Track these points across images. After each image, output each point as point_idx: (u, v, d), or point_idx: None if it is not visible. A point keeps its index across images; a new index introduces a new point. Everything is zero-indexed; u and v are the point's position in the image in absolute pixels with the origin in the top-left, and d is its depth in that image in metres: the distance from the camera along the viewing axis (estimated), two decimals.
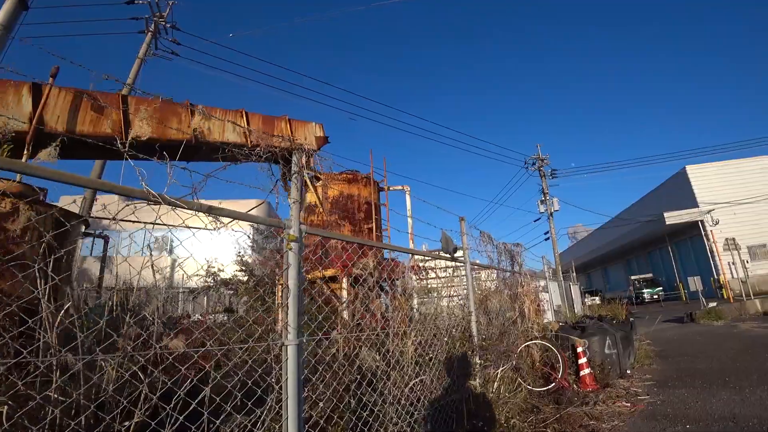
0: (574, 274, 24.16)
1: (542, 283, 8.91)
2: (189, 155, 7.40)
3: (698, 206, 28.28)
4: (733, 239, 18.78)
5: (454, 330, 4.02)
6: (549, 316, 7.91)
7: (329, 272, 6.42)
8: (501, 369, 4.22)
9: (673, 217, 28.10)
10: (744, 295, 17.37)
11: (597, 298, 41.23)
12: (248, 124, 7.95)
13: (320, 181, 9.12)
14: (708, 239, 27.10)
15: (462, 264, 4.60)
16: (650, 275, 33.62)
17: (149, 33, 14.89)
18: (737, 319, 14.45)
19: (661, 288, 31.74)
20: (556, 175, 26.69)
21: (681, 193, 29.90)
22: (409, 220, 8.40)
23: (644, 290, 31.90)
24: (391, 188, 9.74)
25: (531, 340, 5.51)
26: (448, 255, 4.33)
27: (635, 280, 33.35)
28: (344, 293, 5.86)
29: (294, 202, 2.44)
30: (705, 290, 19.03)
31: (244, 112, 7.93)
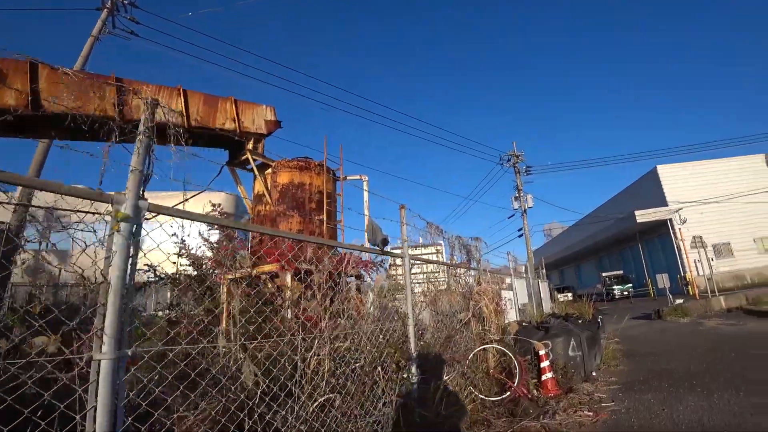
0: (544, 270, 24.05)
1: (507, 280, 8.46)
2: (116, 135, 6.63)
3: (668, 205, 28.57)
4: (700, 237, 18.86)
5: (381, 336, 3.42)
6: (512, 316, 7.41)
7: (267, 268, 5.74)
8: (445, 378, 3.65)
9: (643, 216, 28.31)
10: (709, 292, 17.42)
11: (569, 294, 41.62)
12: (186, 103, 7.15)
13: (269, 169, 8.40)
14: (676, 237, 27.40)
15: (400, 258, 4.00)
16: (621, 272, 33.94)
17: (105, 9, 13.78)
18: (702, 316, 14.37)
19: (631, 285, 32.05)
20: (531, 171, 26.50)
21: (652, 192, 30.19)
22: (366, 212, 7.79)
23: (615, 287, 32.16)
24: (348, 178, 9.07)
25: (487, 343, 4.97)
26: (377, 248, 3.71)
27: (606, 277, 33.61)
28: (288, 292, 5.20)
29: (133, 171, 1.77)
30: (672, 287, 19.05)
31: (181, 90, 7.12)
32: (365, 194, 8.44)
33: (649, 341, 10.50)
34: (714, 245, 27.19)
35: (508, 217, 26.99)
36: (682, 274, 26.88)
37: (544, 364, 5.83)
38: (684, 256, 27.00)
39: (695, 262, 27.90)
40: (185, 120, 6.98)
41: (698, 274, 27.71)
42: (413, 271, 6.15)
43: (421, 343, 3.94)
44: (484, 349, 4.93)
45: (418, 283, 5.98)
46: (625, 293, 31.57)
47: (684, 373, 6.65)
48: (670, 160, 30.18)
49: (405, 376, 3.38)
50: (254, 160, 8.36)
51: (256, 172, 8.22)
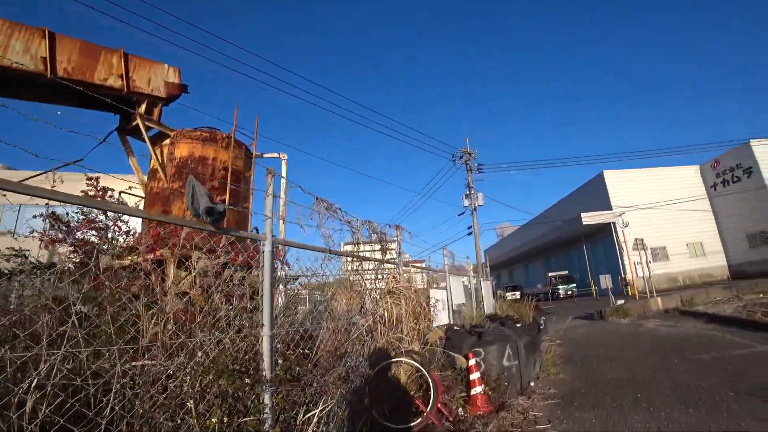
0: (488, 269, 23.70)
1: (441, 282, 7.58)
2: None
3: (612, 209, 29.14)
4: (642, 240, 18.98)
5: (208, 350, 2.29)
6: (444, 318, 6.48)
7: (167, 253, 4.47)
8: (320, 409, 2.56)
9: (589, 218, 28.71)
10: (648, 293, 17.51)
11: (518, 293, 42.10)
12: (52, 49, 5.64)
13: (168, 139, 6.99)
14: (618, 240, 27.94)
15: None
16: (566, 272, 34.51)
17: None
18: (642, 316, 14.24)
19: (575, 285, 32.61)
20: (483, 170, 26.06)
21: (598, 195, 30.77)
22: (283, 195, 6.58)
23: (560, 287, 32.63)
24: (265, 155, 7.80)
25: (397, 356, 3.95)
26: (208, 222, 2.54)
27: (552, 276, 34.07)
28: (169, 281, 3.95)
29: None
30: (614, 287, 19.11)
31: (46, 32, 5.58)
32: (283, 173, 7.22)
33: (591, 343, 9.96)
34: (652, 249, 27.99)
35: (458, 215, 26.48)
36: (623, 275, 27.49)
37: (474, 376, 4.89)
38: (625, 258, 27.58)
39: (635, 264, 28.75)
40: (48, 69, 5.47)
41: (637, 276, 28.58)
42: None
43: (280, 362, 2.80)
44: (393, 363, 3.91)
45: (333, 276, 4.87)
46: (570, 293, 32.07)
47: (627, 382, 5.96)
48: (616, 165, 30.94)
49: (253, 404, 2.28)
50: (148, 127, 6.93)
51: (149, 142, 6.79)
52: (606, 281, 17.14)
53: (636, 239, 18.81)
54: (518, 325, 6.86)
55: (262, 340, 2.76)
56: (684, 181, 31.00)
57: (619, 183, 30.27)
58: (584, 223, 28.71)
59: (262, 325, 2.80)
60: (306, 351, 3.16)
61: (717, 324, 10.88)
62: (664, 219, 28.91)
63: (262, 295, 2.84)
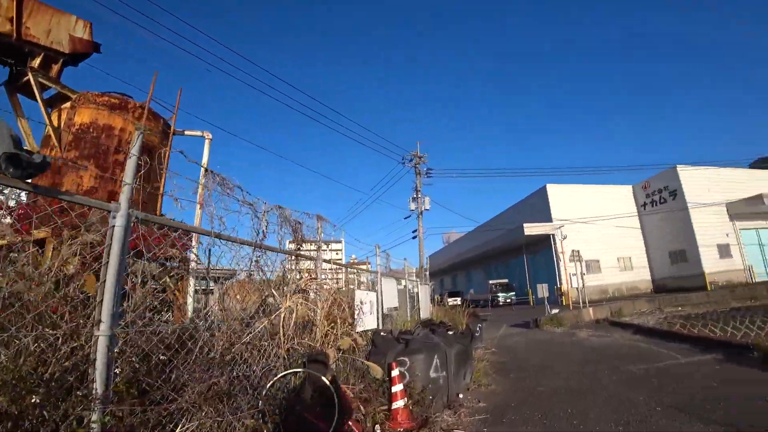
0: (428, 273, 23.59)
1: (399, 282, 7.01)
2: None
3: (552, 221, 30.13)
4: (578, 251, 19.56)
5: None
6: (371, 323, 5.86)
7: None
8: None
9: (530, 229, 29.51)
10: (581, 303, 18.00)
11: (459, 299, 42.65)
12: None
13: (68, 102, 5.90)
14: (557, 251, 28.92)
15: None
16: (506, 281, 35.33)
17: None
18: (575, 326, 14.51)
19: (514, 293, 33.40)
20: (432, 174, 26.00)
21: (540, 207, 31.74)
22: (202, 179, 5.73)
23: (499, 294, 33.29)
24: (186, 132, 6.84)
25: (310, 364, 3.27)
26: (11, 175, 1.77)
27: (493, 284, 34.73)
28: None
29: None
30: (550, 297, 19.60)
31: None
32: (205, 153, 6.33)
33: (526, 352, 9.81)
34: (586, 261, 29.24)
35: (405, 218, 26.23)
36: (559, 285, 28.44)
37: (396, 388, 4.32)
38: (562, 269, 28.59)
39: (570, 275, 29.97)
40: None
41: (572, 286, 29.77)
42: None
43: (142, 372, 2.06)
44: (292, 373, 3.23)
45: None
46: (508, 300, 32.80)
47: (561, 394, 5.67)
48: (559, 179, 32.11)
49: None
50: (43, 86, 5.81)
51: (41, 103, 5.68)
52: (543, 290, 17.52)
53: (573, 251, 19.35)
54: (450, 333, 6.41)
55: (96, 342, 2.01)
56: (618, 200, 32.76)
57: (561, 197, 31.41)
58: (526, 233, 29.48)
59: (100, 321, 2.04)
60: (170, 358, 2.43)
61: (643, 335, 11.15)
62: (598, 234, 30.33)
63: (102, 282, 2.08)
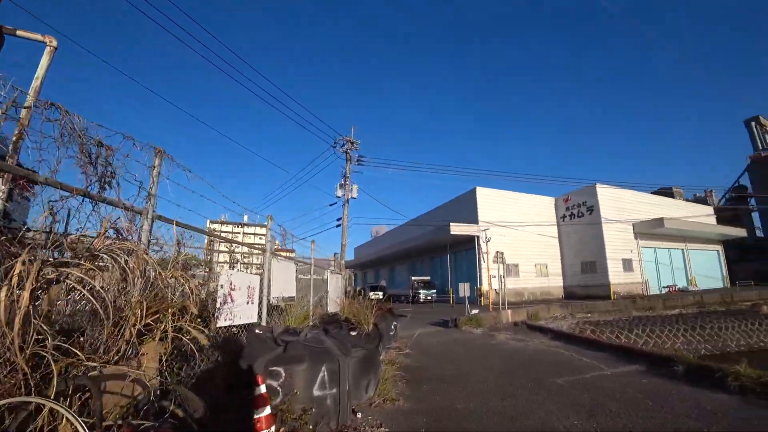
0: (343, 261, 22.22)
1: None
2: None
3: (478, 223, 30.15)
4: (502, 253, 19.25)
5: None
6: (247, 315, 4.22)
7: None
8: None
9: (457, 229, 29.27)
10: (500, 304, 17.62)
11: (380, 293, 41.84)
12: None
13: None
14: (480, 252, 28.94)
15: None
16: (428, 278, 35.01)
17: None
18: (494, 327, 13.89)
19: (434, 291, 33.15)
20: (363, 162, 24.54)
21: (468, 208, 31.71)
22: (31, 97, 3.68)
23: (421, 291, 32.84)
24: (19, 32, 4.63)
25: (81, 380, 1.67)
26: None
27: (415, 280, 34.22)
28: None
29: None
30: (470, 296, 19.08)
31: None
32: (42, 65, 4.23)
33: (442, 356, 8.69)
34: (507, 265, 29.68)
35: (330, 205, 24.56)
36: (479, 286, 28.48)
37: (261, 413, 2.77)
38: (484, 270, 28.68)
39: (491, 277, 30.31)
40: None
41: (491, 288, 30.11)
42: None
43: None
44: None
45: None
46: (429, 298, 32.44)
47: (480, 417, 4.45)
48: (489, 182, 32.25)
49: None
50: None
51: None
52: (465, 290, 16.85)
53: (497, 252, 18.99)
54: (354, 333, 4.96)
55: None
56: (541, 210, 33.78)
57: (489, 201, 31.62)
58: (452, 232, 29.19)
59: None
60: None
61: (562, 341, 10.60)
62: (520, 239, 30.93)
63: None
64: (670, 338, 16.83)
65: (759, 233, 49.91)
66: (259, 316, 4.56)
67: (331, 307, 8.72)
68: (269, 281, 4.98)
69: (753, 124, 50.59)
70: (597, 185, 31.85)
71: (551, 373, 6.85)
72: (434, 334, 12.07)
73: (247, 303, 4.08)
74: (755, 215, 50.86)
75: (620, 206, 32.46)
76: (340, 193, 23.71)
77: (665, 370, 7.03)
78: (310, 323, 5.21)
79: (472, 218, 30.69)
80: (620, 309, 21.04)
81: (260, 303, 4.57)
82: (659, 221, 31.35)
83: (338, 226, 23.99)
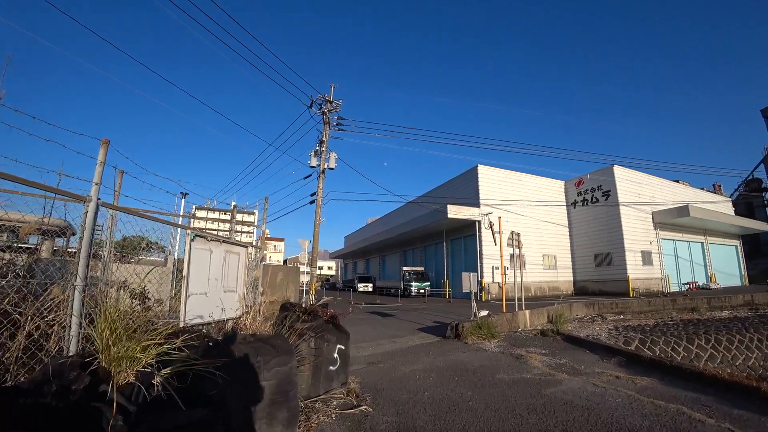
0: (305, 251, 17.47)
1: None
2: None
3: (480, 206, 25.26)
4: (519, 234, 14.43)
5: None
6: None
7: None
8: None
9: (455, 212, 24.35)
10: (516, 303, 12.82)
11: (370, 285, 37.01)
12: None
13: None
14: (482, 240, 24.12)
15: None
16: (421, 269, 30.12)
17: None
18: (513, 339, 9.09)
19: (429, 283, 28.34)
20: (344, 126, 19.53)
21: (469, 189, 26.90)
22: None
23: (413, 283, 27.96)
24: None
25: None
26: None
27: (407, 271, 29.30)
28: None
29: None
30: (476, 291, 13.96)
31: None
32: None
33: (438, 423, 3.87)
34: (511, 255, 24.94)
35: (305, 177, 19.58)
36: (480, 278, 23.68)
37: None
38: (486, 260, 24.01)
39: (492, 268, 25.52)
40: None
41: (493, 281, 25.33)
42: None
43: None
44: None
45: None
46: (422, 291, 27.62)
47: None
48: (491, 155, 27.38)
49: None
50: None
51: None
52: (470, 282, 11.74)
53: (512, 232, 14.18)
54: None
55: None
56: (549, 195, 28.96)
57: (491, 181, 26.75)
58: (449, 216, 24.28)
59: None
60: None
61: (640, 372, 5.77)
62: (526, 227, 25.97)
63: None
64: (742, 351, 12.20)
65: None
66: None
67: (228, 310, 3.92)
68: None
69: None
70: (615, 166, 26.97)
71: None
72: (423, 355, 7.22)
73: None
74: None
75: (639, 191, 27.63)
76: (314, 162, 18.73)
77: None
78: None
79: (473, 200, 25.83)
80: (657, 309, 16.40)
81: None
82: (684, 209, 26.52)
83: (312, 202, 19.05)
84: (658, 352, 11.17)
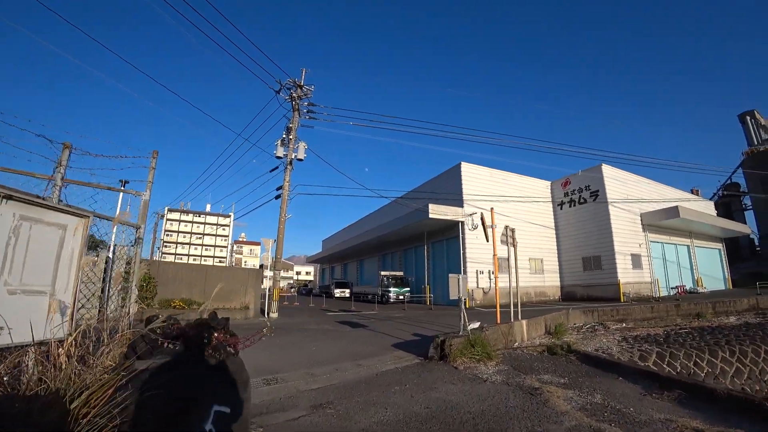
0: (268, 252, 15.18)
1: None
2: None
3: (463, 206, 23.30)
4: (513, 230, 12.47)
5: None
6: None
7: None
8: None
9: (437, 212, 22.26)
10: (512, 313, 10.77)
11: (347, 291, 34.49)
12: None
13: None
14: (465, 242, 22.18)
15: None
16: (401, 273, 27.85)
17: None
18: (515, 360, 6.98)
19: (408, 289, 26.09)
20: (315, 114, 17.25)
21: (452, 188, 24.96)
22: None
23: (391, 289, 25.65)
24: None
25: None
26: None
27: (385, 276, 26.96)
28: None
29: None
30: (448, 297, 11.80)
31: None
32: None
33: None
34: (509, 251, 23.01)
35: (271, 170, 17.20)
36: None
37: None
38: (470, 263, 22.02)
39: (477, 272, 23.54)
40: None
41: (477, 286, 23.34)
42: None
43: None
44: None
45: None
46: (401, 297, 25.35)
47: None
48: (474, 148, 25.54)
49: None
50: None
51: None
52: (458, 285, 9.35)
53: (507, 227, 12.26)
54: None
55: None
56: (535, 194, 27.26)
57: (475, 179, 24.88)
58: (431, 216, 22.18)
59: None
60: None
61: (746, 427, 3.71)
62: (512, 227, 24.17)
63: None
64: None
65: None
66: None
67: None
68: None
69: (748, 118, 45.70)
70: (603, 165, 25.50)
71: None
72: (396, 389, 4.99)
73: None
74: (748, 214, 46.12)
75: (627, 192, 26.23)
76: (281, 152, 16.34)
77: None
78: None
79: (457, 200, 23.86)
80: (660, 316, 14.68)
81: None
82: (673, 210, 25.21)
83: (278, 197, 16.65)
84: (679, 368, 9.25)
